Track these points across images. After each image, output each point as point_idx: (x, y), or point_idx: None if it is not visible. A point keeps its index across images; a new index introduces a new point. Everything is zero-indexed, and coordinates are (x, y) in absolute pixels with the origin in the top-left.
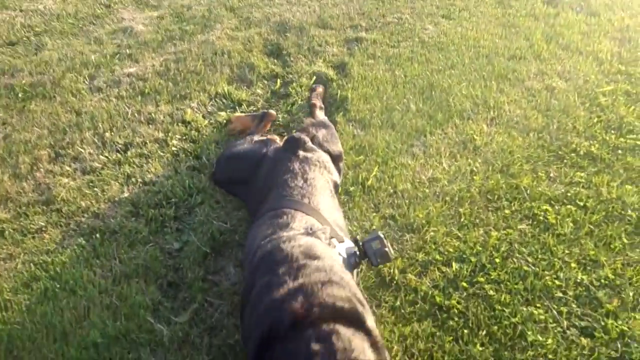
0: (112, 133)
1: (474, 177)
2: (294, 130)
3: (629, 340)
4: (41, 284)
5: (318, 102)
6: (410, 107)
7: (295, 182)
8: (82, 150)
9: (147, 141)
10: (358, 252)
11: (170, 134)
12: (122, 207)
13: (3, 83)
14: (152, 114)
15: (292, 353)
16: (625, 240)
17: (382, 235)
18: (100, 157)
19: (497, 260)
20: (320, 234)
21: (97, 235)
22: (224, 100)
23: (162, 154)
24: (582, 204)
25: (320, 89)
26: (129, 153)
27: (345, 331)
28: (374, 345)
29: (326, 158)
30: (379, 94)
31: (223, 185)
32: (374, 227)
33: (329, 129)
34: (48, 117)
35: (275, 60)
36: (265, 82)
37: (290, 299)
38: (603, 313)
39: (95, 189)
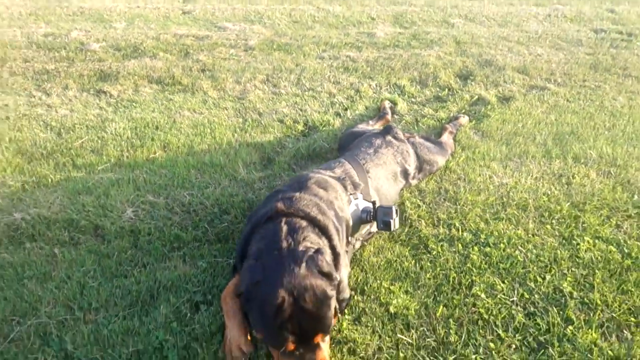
0: (306, 80)
1: (543, 197)
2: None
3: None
4: (201, 128)
5: (450, 127)
6: (536, 137)
7: (366, 150)
8: (281, 82)
9: (323, 91)
10: (371, 212)
11: (340, 92)
12: (276, 115)
13: (271, 39)
14: (340, 80)
15: (267, 229)
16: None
17: (395, 209)
18: (289, 89)
19: (502, 245)
20: (347, 183)
21: (250, 120)
22: (396, 89)
23: (324, 99)
24: (624, 250)
25: (462, 120)
26: (306, 93)
27: (309, 230)
28: (333, 250)
29: (409, 150)
30: (518, 121)
31: (340, 148)
32: (424, 192)
33: (438, 146)
34: (278, 61)
35: (458, 80)
36: (438, 89)
37: (280, 202)
38: (558, 322)
39: (277, 102)
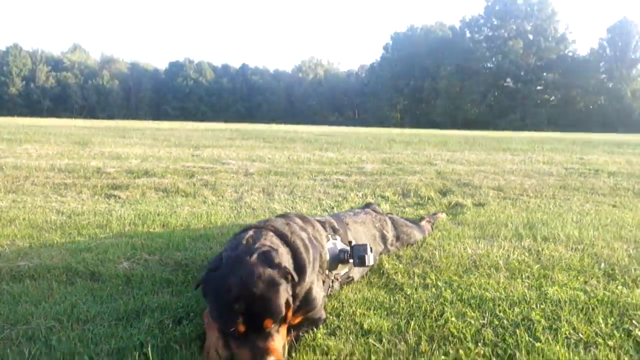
0: (299, 191)
1: (514, 261)
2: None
3: None
4: (199, 216)
5: (428, 218)
6: (508, 225)
7: (346, 213)
8: (275, 193)
9: (313, 197)
10: (348, 252)
11: (329, 199)
12: (269, 210)
13: (269, 169)
14: (329, 192)
15: (237, 237)
16: None
17: (369, 247)
18: (282, 196)
19: (473, 289)
20: (327, 226)
21: (244, 212)
22: (380, 198)
23: (314, 202)
24: (590, 295)
25: (440, 215)
26: (298, 199)
27: (274, 237)
28: (298, 262)
29: (387, 220)
30: (492, 215)
31: None
32: (401, 257)
33: (415, 224)
34: (274, 181)
35: (439, 194)
36: (418, 199)
37: (257, 221)
38: (527, 340)
39: (271, 203)
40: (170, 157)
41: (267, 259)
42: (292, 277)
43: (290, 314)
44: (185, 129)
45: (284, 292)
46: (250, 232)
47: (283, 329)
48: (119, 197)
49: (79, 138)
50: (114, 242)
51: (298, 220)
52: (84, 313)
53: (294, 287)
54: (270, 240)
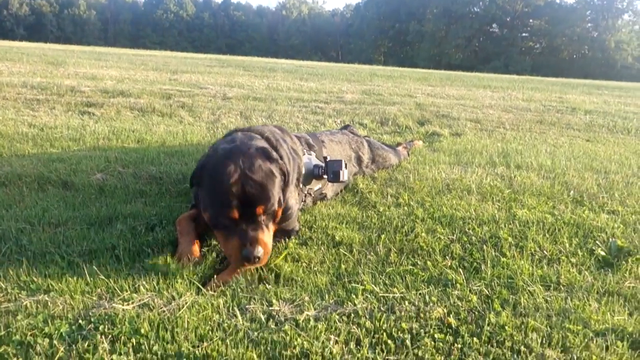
0: (277, 116)
1: (486, 185)
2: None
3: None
4: (174, 134)
5: (404, 144)
6: (482, 153)
7: (325, 132)
8: (253, 116)
9: (291, 122)
10: (322, 167)
11: (307, 123)
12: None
13: (248, 95)
14: (308, 118)
15: (224, 140)
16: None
17: (343, 162)
18: (260, 120)
19: (445, 209)
20: (302, 141)
21: (220, 132)
22: (358, 125)
23: (292, 126)
24: (557, 218)
25: (417, 142)
26: (275, 122)
27: (262, 141)
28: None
29: (363, 142)
30: (467, 144)
31: None
32: (376, 178)
33: (392, 148)
34: (252, 106)
35: (417, 124)
36: (396, 127)
37: (240, 129)
38: (494, 255)
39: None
40: (147, 80)
41: (266, 153)
42: (287, 175)
43: (280, 212)
44: (163, 55)
45: (279, 186)
46: (240, 135)
47: (272, 227)
48: (93, 114)
49: (53, 59)
50: (87, 154)
51: (278, 131)
52: (56, 217)
53: (284, 188)
54: (262, 143)
